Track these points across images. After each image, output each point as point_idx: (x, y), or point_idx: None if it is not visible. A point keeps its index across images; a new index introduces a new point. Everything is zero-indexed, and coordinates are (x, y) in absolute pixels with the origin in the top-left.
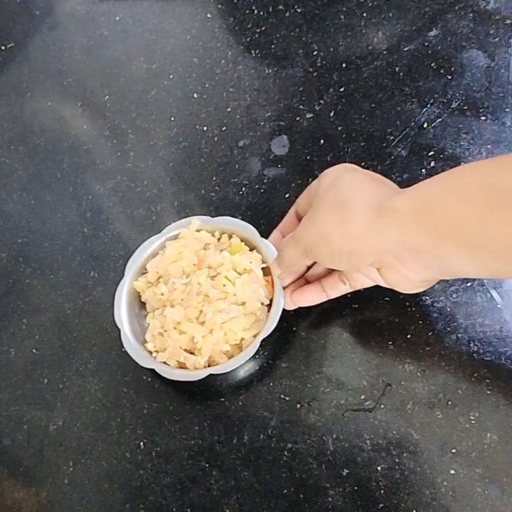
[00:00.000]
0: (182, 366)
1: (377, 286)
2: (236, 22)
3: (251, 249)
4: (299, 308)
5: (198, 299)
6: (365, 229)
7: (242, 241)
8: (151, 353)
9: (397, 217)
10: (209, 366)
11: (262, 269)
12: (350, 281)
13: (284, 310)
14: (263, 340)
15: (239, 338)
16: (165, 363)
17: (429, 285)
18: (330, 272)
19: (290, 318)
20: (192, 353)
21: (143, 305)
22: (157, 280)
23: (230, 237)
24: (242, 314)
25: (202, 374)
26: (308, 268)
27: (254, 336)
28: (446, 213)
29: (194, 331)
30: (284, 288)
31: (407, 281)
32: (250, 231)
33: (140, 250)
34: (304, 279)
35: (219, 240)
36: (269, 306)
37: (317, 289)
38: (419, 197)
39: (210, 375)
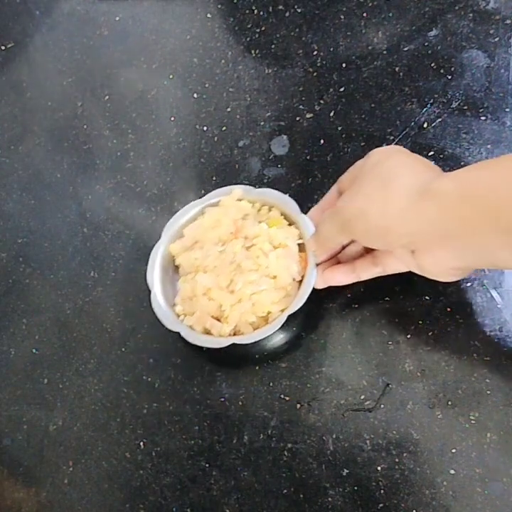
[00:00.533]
0: (207, 333)
1: (378, 287)
2: (236, 22)
3: (289, 224)
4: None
5: (230, 268)
6: (404, 208)
7: (281, 215)
8: (178, 316)
9: (439, 199)
10: (234, 335)
11: (298, 245)
12: (383, 265)
13: (314, 289)
14: (290, 316)
15: (266, 311)
16: (191, 327)
17: (462, 275)
18: (363, 253)
19: (290, 318)
20: (218, 321)
21: (177, 269)
22: (193, 245)
23: (270, 209)
24: (272, 287)
25: (225, 342)
26: (343, 249)
27: (282, 311)
28: (491, 198)
29: (223, 299)
30: (317, 265)
31: (441, 266)
32: (291, 206)
33: (179, 214)
34: (336, 259)
35: (259, 211)
36: (301, 282)
37: (349, 269)
38: (464, 180)
39: (233, 345)
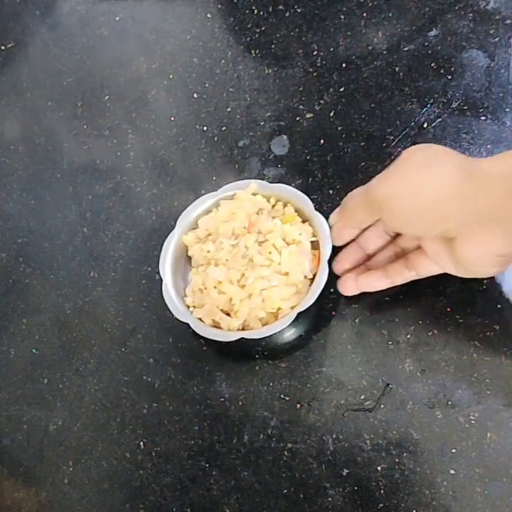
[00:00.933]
0: (216, 326)
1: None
2: (236, 22)
3: (303, 221)
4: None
5: (242, 262)
6: (444, 190)
7: (296, 211)
8: (188, 307)
9: (482, 180)
10: (242, 330)
11: (311, 242)
12: (416, 268)
13: (340, 295)
14: (299, 313)
15: (276, 307)
16: (200, 320)
17: (506, 264)
18: (394, 258)
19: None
20: (228, 315)
21: (189, 260)
22: (206, 237)
23: (285, 205)
24: (283, 284)
25: (234, 336)
26: (368, 259)
27: (292, 308)
28: None
29: (233, 293)
30: (339, 274)
31: (483, 253)
32: (306, 202)
33: (194, 205)
34: (366, 267)
35: (273, 206)
36: (312, 280)
37: (382, 274)
38: (509, 159)
39: (242, 338)
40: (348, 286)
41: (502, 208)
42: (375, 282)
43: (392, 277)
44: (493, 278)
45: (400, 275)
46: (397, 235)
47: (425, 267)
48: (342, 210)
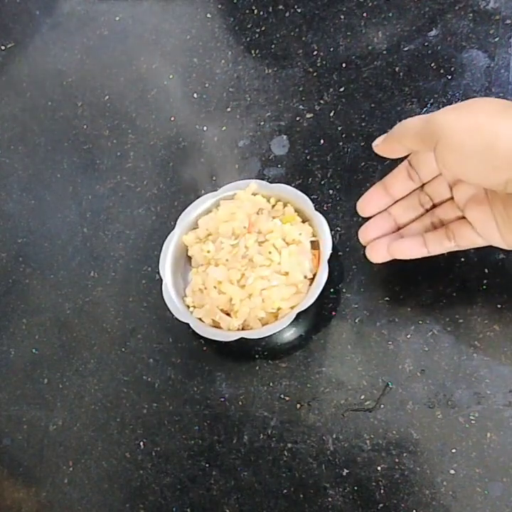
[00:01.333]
0: (216, 326)
1: (378, 287)
2: (236, 22)
3: (303, 221)
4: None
5: (242, 262)
6: None
7: (296, 211)
8: (188, 307)
9: None
10: (242, 330)
11: (311, 242)
12: (458, 239)
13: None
14: (299, 314)
15: (276, 307)
16: (200, 320)
17: None
18: (434, 227)
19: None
20: (228, 315)
21: (189, 260)
22: (206, 237)
23: (285, 205)
24: (283, 284)
25: (234, 336)
26: (398, 229)
27: (292, 308)
28: None
29: (233, 293)
30: (365, 244)
31: None
32: (306, 202)
33: (194, 205)
34: (398, 235)
35: (273, 206)
36: (312, 280)
37: (419, 241)
38: None
39: (242, 338)
40: (379, 252)
41: None
42: (410, 250)
43: (429, 246)
44: (493, 278)
45: (439, 245)
46: (435, 207)
47: (468, 238)
48: (389, 133)
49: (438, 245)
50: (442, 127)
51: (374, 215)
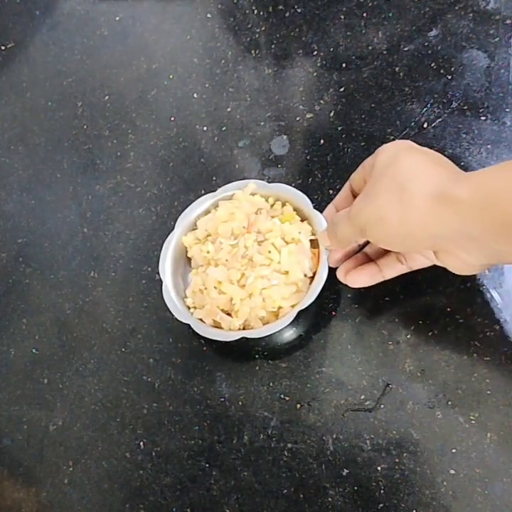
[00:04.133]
0: (217, 326)
1: (378, 287)
2: (236, 22)
3: (302, 220)
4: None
5: (242, 262)
6: (423, 215)
7: (295, 210)
8: (189, 308)
9: (458, 207)
10: (243, 329)
11: (310, 241)
12: (408, 261)
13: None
14: (299, 313)
15: (276, 306)
16: (201, 320)
17: (487, 268)
18: (387, 251)
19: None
20: (228, 314)
21: (189, 261)
22: (205, 238)
23: (283, 204)
24: (283, 283)
25: (235, 336)
26: (361, 247)
27: (292, 307)
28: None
29: (234, 293)
30: (334, 266)
31: (465, 265)
32: (304, 201)
33: (192, 207)
34: (364, 255)
35: (272, 206)
36: (312, 279)
37: (373, 269)
38: (483, 186)
39: (243, 338)
40: (344, 279)
41: (477, 231)
42: (366, 278)
43: (384, 271)
44: (493, 278)
45: (392, 268)
46: None
47: (417, 260)
48: (332, 235)
49: (391, 269)
50: (361, 225)
51: None
